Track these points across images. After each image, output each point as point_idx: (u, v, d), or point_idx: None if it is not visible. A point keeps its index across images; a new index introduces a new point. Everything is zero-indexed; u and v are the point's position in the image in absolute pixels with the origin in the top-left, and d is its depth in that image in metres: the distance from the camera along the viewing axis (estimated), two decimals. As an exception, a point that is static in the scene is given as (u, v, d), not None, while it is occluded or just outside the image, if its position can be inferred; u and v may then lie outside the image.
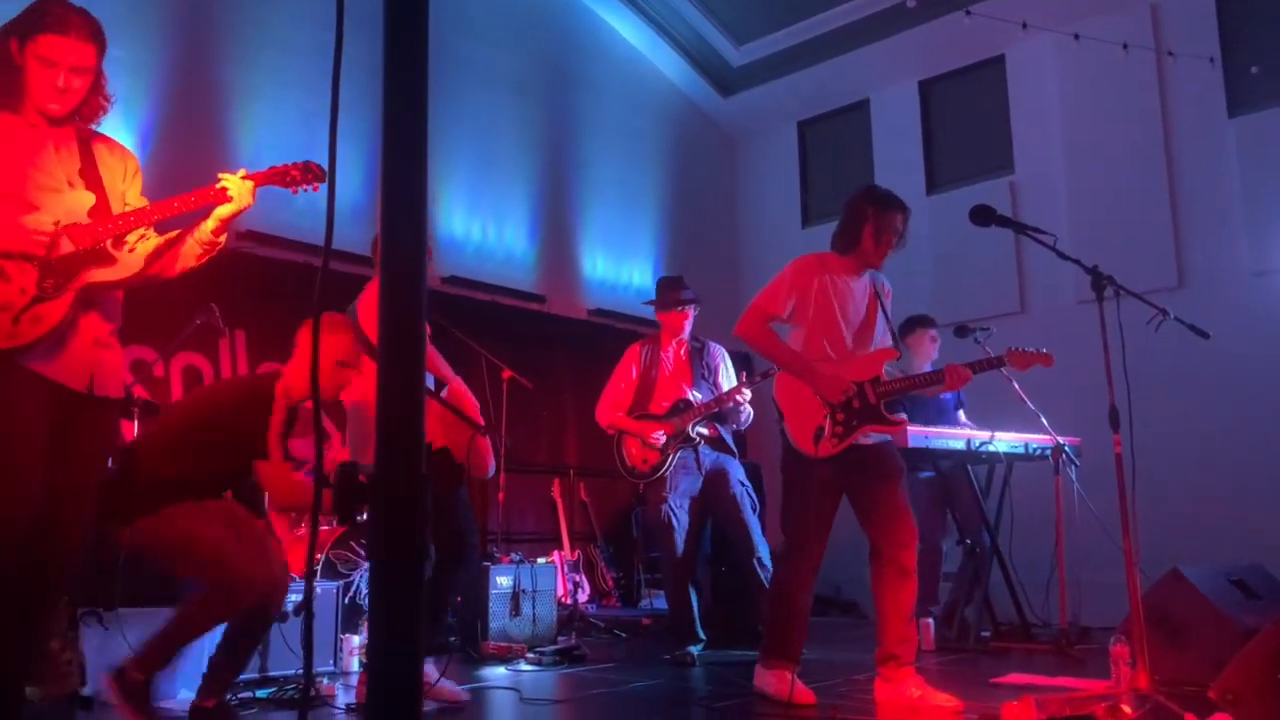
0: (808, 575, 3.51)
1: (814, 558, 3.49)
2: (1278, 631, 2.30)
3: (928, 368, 5.14)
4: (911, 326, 5.49)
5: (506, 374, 5.59)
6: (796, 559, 3.50)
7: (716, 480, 4.69)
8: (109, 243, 2.58)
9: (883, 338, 3.68)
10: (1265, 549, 4.76)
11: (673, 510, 4.64)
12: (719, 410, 4.73)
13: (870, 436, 3.53)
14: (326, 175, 2.69)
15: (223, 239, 2.77)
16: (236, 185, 2.69)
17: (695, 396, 4.79)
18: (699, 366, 4.90)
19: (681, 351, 4.94)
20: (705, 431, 4.73)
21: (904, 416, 3.66)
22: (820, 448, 3.44)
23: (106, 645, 3.30)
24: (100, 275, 2.57)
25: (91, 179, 2.66)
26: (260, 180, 2.76)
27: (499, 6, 7.71)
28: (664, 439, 4.74)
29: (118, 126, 5.57)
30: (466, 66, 7.37)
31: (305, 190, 2.82)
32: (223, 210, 2.70)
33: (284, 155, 6.25)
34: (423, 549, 0.90)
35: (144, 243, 2.71)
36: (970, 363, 3.64)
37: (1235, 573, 3.80)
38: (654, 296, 5.07)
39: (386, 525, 0.90)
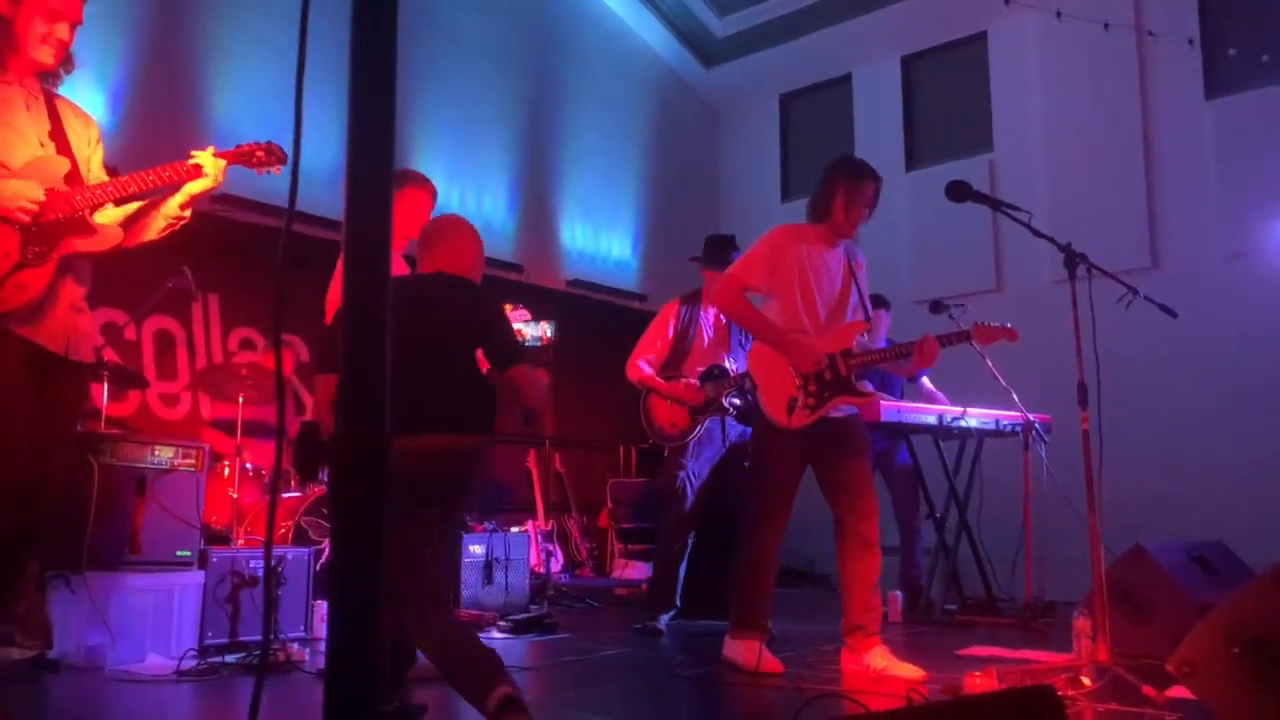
0: (774, 544, 3.55)
1: (780, 527, 3.52)
2: (1232, 607, 2.34)
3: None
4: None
5: (482, 343, 5.58)
6: (763, 529, 3.53)
7: (740, 452, 4.56)
8: (87, 211, 2.59)
9: (855, 310, 3.69)
10: (1227, 526, 4.84)
11: (689, 478, 4.55)
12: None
13: (841, 409, 3.55)
14: (288, 158, 2.72)
15: (188, 214, 2.77)
16: (210, 162, 2.70)
17: (730, 365, 4.66)
18: (739, 334, 4.73)
19: (723, 316, 4.68)
20: (738, 402, 4.58)
21: (872, 389, 3.70)
22: (793, 419, 3.46)
23: (72, 609, 3.29)
24: (82, 245, 2.60)
25: (61, 142, 2.67)
26: (229, 159, 2.76)
27: (480, -29, 7.61)
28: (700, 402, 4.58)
29: (89, 85, 5.47)
30: (447, 32, 7.28)
31: (269, 172, 2.82)
32: (193, 186, 2.72)
33: (261, 119, 6.20)
34: (386, 510, 0.90)
35: (107, 212, 2.70)
36: (939, 335, 3.67)
37: (1196, 549, 3.86)
38: (701, 254, 4.83)
39: (347, 484, 0.89)
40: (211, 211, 5.74)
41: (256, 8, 6.08)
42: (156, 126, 5.68)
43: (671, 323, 4.78)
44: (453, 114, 7.31)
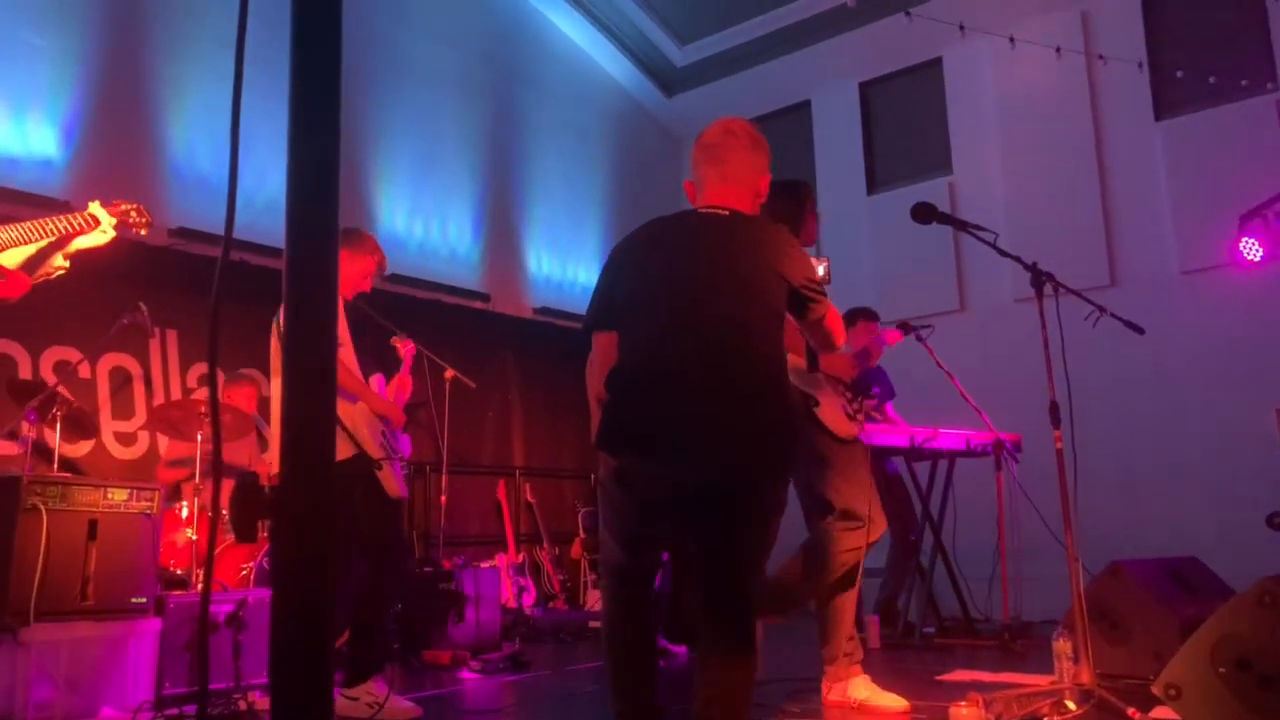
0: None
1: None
2: (1215, 626, 2.32)
3: None
4: (853, 319, 5.61)
5: (449, 373, 5.49)
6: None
7: None
8: None
9: None
10: (1197, 542, 4.87)
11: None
12: None
13: None
14: (152, 223, 2.72)
15: (68, 265, 2.73)
16: (105, 217, 2.66)
17: None
18: None
19: None
20: None
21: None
22: (854, 427, 3.45)
23: (19, 662, 3.14)
24: None
25: None
26: (113, 214, 2.73)
27: (443, 3, 7.59)
28: None
29: (40, 120, 5.35)
30: (409, 62, 7.24)
31: (139, 233, 2.84)
32: (85, 240, 2.68)
33: (217, 149, 6.08)
34: (332, 565, 0.81)
35: (6, 255, 2.63)
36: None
37: (1171, 565, 3.87)
38: None
39: (292, 539, 0.81)
40: (168, 245, 5.62)
41: (210, 39, 5.99)
42: (110, 158, 5.56)
43: None
44: (416, 144, 7.26)
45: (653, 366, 2.14)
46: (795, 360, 3.54)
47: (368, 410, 3.55)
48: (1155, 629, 3.41)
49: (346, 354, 3.58)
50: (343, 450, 3.38)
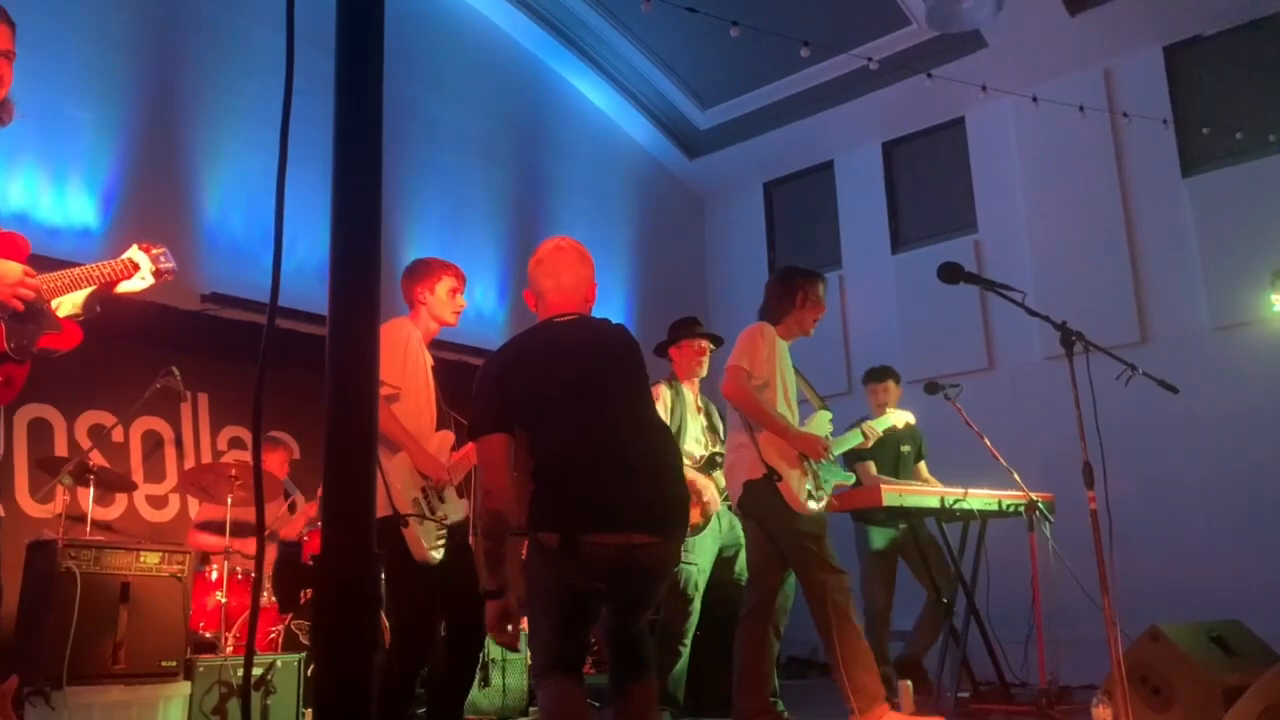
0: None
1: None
2: (1262, 692, 2.26)
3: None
4: (868, 379, 5.64)
5: (476, 435, 5.50)
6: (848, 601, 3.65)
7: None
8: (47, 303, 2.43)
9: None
10: (1240, 604, 4.74)
11: (695, 572, 4.45)
12: None
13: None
14: (174, 271, 2.64)
15: (97, 309, 2.61)
16: (145, 262, 2.59)
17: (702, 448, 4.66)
18: (708, 417, 4.81)
19: (699, 399, 4.78)
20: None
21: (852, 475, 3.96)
22: (812, 505, 3.63)
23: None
24: (52, 342, 2.43)
25: None
26: (149, 255, 2.65)
27: (471, 70, 7.79)
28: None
29: (80, 189, 5.51)
30: (437, 127, 7.40)
31: (166, 278, 2.71)
32: (127, 285, 2.59)
33: (249, 218, 6.23)
34: (374, 637, 0.81)
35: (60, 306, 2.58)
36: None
37: (1214, 630, 3.76)
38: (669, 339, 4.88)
39: (333, 612, 0.81)
40: (201, 310, 5.72)
41: (246, 112, 6.17)
42: (146, 226, 5.70)
43: (659, 406, 4.69)
44: (443, 207, 7.39)
45: (586, 453, 2.46)
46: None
47: (408, 462, 3.33)
48: (1198, 696, 3.31)
49: (408, 406, 3.40)
50: (386, 505, 3.20)
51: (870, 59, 6.95)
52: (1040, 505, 4.88)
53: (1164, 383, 3.57)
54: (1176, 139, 6.94)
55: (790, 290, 3.81)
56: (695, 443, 4.66)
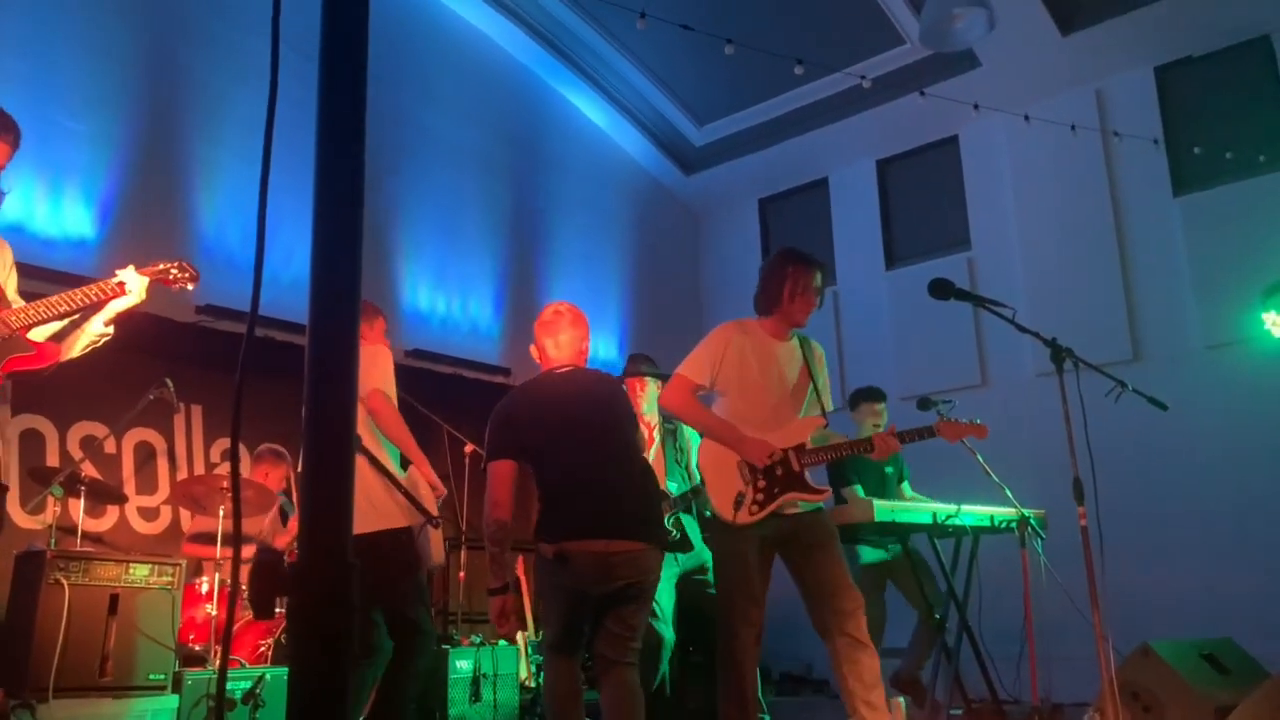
0: (754, 643, 3.42)
1: (756, 623, 3.41)
2: (1251, 711, 2.26)
3: None
4: (856, 400, 5.58)
5: (469, 448, 5.51)
6: (741, 627, 3.40)
7: (689, 579, 4.44)
8: (21, 331, 2.62)
9: (812, 405, 3.66)
10: (1231, 621, 4.75)
11: (656, 600, 4.41)
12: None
13: (799, 505, 3.48)
14: (198, 277, 2.85)
15: (111, 330, 2.78)
16: (135, 279, 2.72)
17: (670, 489, 4.47)
18: (671, 451, 4.64)
19: (654, 434, 4.58)
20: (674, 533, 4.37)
21: (827, 487, 3.65)
22: (739, 515, 3.39)
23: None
24: (23, 363, 2.59)
25: None
26: (150, 276, 2.81)
27: (468, 86, 7.82)
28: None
29: (76, 200, 5.52)
30: (433, 142, 7.43)
31: (183, 289, 2.91)
32: (118, 304, 2.73)
33: (245, 230, 6.24)
34: (350, 645, 0.81)
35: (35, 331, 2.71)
36: (901, 432, 3.63)
37: (1206, 647, 3.77)
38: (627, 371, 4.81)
39: (308, 619, 0.81)
40: (194, 322, 5.72)
41: (242, 124, 6.19)
42: (142, 237, 5.70)
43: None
44: (439, 222, 7.41)
45: (576, 481, 3.09)
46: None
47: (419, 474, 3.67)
48: (1189, 714, 3.31)
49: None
50: (406, 516, 3.48)
51: (864, 77, 7.00)
52: (1033, 521, 4.88)
53: (1153, 399, 3.58)
54: (1167, 158, 6.99)
55: (778, 280, 3.59)
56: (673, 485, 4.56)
